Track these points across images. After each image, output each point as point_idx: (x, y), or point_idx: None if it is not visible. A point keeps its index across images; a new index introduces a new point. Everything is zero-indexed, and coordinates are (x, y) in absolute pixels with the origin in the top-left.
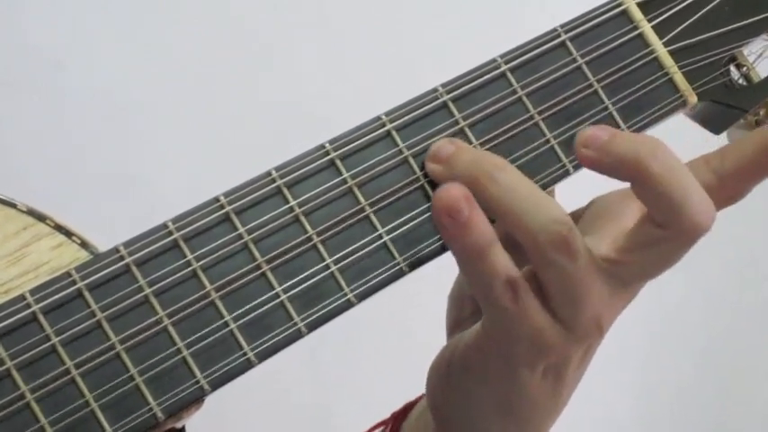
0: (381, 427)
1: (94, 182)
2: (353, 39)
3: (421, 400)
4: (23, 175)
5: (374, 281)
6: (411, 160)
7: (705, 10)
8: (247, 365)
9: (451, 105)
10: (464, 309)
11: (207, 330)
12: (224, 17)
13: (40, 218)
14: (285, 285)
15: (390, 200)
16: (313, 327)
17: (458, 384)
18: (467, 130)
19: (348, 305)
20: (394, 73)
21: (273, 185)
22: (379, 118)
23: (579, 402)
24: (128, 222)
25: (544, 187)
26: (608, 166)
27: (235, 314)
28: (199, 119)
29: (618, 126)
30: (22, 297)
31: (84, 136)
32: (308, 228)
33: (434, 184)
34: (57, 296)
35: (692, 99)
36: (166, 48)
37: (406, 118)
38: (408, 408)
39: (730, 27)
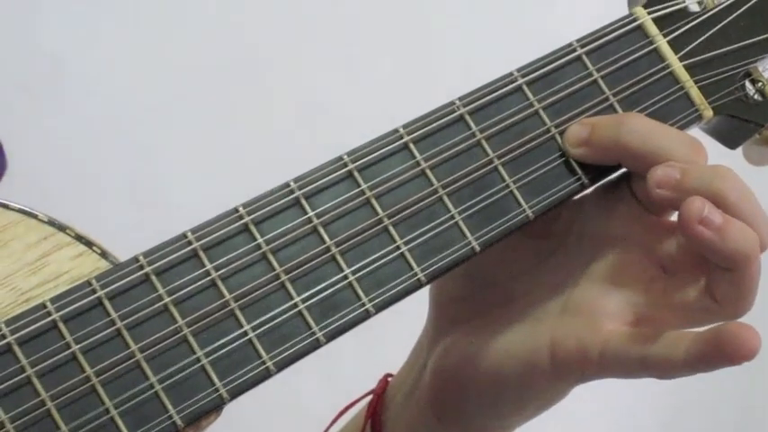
0: (354, 408)
1: (98, 182)
2: (373, 52)
3: (393, 383)
4: (42, 183)
5: (392, 291)
6: (428, 172)
7: (720, 25)
8: (266, 374)
9: (468, 118)
10: (456, 312)
11: (226, 339)
12: (231, 17)
13: (61, 228)
14: (304, 295)
15: (408, 211)
16: (331, 336)
17: (501, 397)
18: (483, 142)
19: (366, 315)
20: (412, 86)
21: (292, 196)
22: (396, 130)
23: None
24: (148, 232)
25: (562, 200)
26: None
27: (253, 324)
28: (220, 129)
29: None
30: (43, 305)
31: (103, 145)
32: (327, 238)
33: (452, 197)
34: (77, 304)
35: (708, 113)
36: (172, 48)
37: (424, 130)
38: (381, 393)
39: (745, 42)
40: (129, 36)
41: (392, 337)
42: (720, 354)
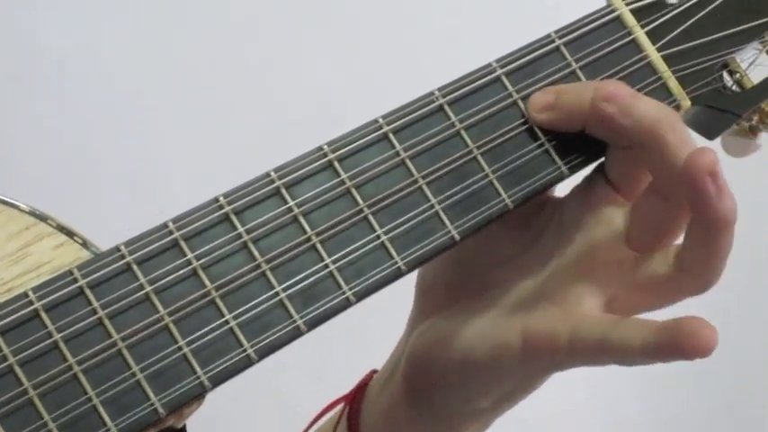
0: (341, 404)
1: (98, 182)
2: (373, 52)
3: (376, 376)
4: (42, 183)
5: (372, 279)
6: (408, 162)
7: (698, 17)
8: (248, 362)
9: (448, 108)
10: (438, 298)
11: (207, 328)
12: (231, 17)
13: (42, 218)
14: (284, 284)
15: (388, 201)
16: (312, 325)
17: (470, 378)
18: (463, 132)
19: (347, 304)
20: (413, 86)
21: (272, 186)
22: (376, 121)
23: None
24: (130, 223)
25: (541, 189)
26: (623, 127)
27: (234, 312)
28: (220, 129)
29: None
30: (25, 295)
31: (89, 136)
32: (307, 228)
33: (432, 186)
34: (58, 294)
35: (686, 103)
36: (172, 48)
37: (403, 120)
38: (363, 386)
39: (723, 34)
40: (129, 36)
41: (381, 339)
42: (677, 347)
